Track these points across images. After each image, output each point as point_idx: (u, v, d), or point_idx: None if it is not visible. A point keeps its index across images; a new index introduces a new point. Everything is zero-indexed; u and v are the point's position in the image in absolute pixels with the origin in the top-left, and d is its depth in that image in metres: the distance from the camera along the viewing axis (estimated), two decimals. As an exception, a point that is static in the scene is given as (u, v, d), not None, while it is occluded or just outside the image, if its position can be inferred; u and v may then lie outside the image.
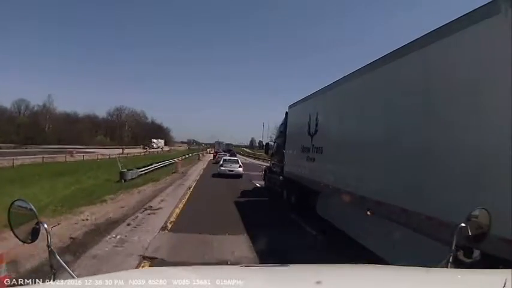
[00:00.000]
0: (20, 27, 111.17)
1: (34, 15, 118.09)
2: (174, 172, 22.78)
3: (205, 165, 32.91)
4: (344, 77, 7.42)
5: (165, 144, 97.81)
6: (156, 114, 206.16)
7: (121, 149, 49.09)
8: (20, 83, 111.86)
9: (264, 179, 17.39)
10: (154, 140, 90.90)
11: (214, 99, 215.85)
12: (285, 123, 12.74)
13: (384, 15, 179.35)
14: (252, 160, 52.41)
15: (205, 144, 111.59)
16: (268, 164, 17.17)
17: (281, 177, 12.70)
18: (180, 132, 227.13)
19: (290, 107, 12.27)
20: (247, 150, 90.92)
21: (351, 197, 6.43)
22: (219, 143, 79.19)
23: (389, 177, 5.21)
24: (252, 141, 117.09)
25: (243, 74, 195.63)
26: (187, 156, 45.01)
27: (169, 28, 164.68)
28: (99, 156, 35.31)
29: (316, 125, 9.05)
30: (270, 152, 16.41)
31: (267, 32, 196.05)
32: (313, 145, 9.18)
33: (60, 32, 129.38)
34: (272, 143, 16.01)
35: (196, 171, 26.12)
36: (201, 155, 54.31)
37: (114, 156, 32.93)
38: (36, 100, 67.29)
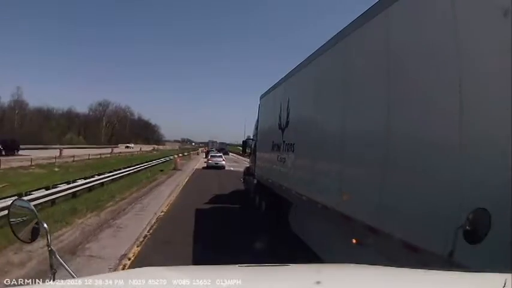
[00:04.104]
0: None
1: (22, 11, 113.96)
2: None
3: (173, 198, 12.15)
4: (327, 42, 5.13)
5: (154, 143, 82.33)
6: (149, 112, 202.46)
7: (59, 151, 29.83)
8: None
9: (243, 181, 15.36)
10: None
11: (211, 98, 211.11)
12: (258, 118, 10.77)
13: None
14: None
15: (200, 143, 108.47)
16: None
17: (255, 180, 10.80)
18: (175, 131, 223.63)
19: (261, 97, 10.20)
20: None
21: (330, 214, 4.48)
22: (212, 142, 77.12)
23: (390, 192, 3.27)
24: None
25: (241, 71, 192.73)
26: (160, 161, 28.85)
27: (164, 25, 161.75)
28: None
29: (288, 116, 7.00)
30: (248, 150, 14.25)
31: (268, 28, 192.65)
32: (283, 141, 7.18)
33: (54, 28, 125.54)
34: (251, 140, 13.85)
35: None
36: (179, 160, 28.48)
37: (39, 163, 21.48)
38: (7, 97, 60.43)
